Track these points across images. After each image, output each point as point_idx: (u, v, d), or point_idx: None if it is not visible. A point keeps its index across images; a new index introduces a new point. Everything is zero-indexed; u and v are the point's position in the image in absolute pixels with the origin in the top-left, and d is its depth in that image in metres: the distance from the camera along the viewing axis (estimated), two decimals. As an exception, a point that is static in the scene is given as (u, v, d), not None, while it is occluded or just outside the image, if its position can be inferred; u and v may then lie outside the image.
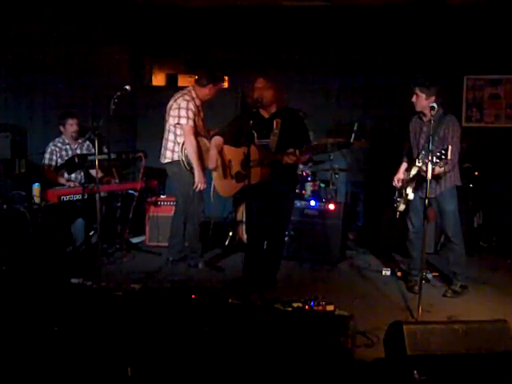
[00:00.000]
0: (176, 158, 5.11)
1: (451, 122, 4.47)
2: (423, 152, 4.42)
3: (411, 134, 4.70)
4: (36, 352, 3.12)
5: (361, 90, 7.22)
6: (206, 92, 5.16)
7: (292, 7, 7.02)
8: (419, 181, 4.43)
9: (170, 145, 5.14)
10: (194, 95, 5.13)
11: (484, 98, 7.00)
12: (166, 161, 5.19)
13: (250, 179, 4.06)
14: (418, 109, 4.51)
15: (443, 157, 3.94)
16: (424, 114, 4.52)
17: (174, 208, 5.52)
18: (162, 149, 5.23)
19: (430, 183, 4.23)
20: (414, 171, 4.44)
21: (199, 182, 5.02)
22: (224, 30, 7.31)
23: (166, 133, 5.18)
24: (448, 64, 6.89)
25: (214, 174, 4.69)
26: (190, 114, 5.00)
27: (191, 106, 5.02)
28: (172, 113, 5.08)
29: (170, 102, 5.14)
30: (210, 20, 7.29)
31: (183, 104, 5.01)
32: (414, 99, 4.50)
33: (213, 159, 4.52)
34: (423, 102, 4.44)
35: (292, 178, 4.61)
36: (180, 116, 5.00)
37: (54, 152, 5.68)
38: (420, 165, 4.29)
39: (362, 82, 7.19)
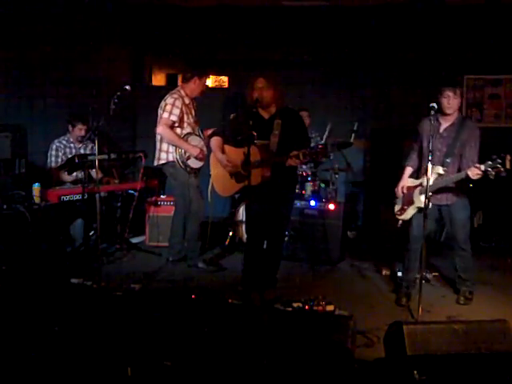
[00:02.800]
0: (171, 158, 5.12)
1: (473, 127, 4.29)
2: (448, 160, 4.18)
3: (424, 138, 4.34)
4: (36, 352, 3.12)
5: (361, 90, 7.22)
6: (192, 87, 5.19)
7: (292, 7, 7.02)
8: (440, 188, 4.18)
9: (164, 146, 5.16)
10: (183, 93, 5.17)
11: (484, 98, 7.01)
12: (161, 162, 5.20)
13: (251, 180, 4.05)
14: (451, 111, 4.21)
15: (498, 165, 3.77)
16: (446, 116, 4.26)
17: (173, 208, 5.53)
18: (156, 151, 5.24)
19: (443, 190, 4.17)
20: (433, 178, 4.16)
21: (195, 152, 5.05)
22: (224, 30, 7.31)
23: (158, 134, 5.19)
24: (448, 64, 6.90)
25: (213, 174, 4.69)
26: (174, 110, 5.04)
27: (177, 103, 5.07)
28: (160, 112, 5.11)
29: (161, 103, 5.16)
30: (210, 20, 7.29)
31: (170, 100, 5.07)
32: (449, 101, 4.16)
33: (223, 162, 4.44)
34: (458, 104, 4.21)
35: (292, 179, 4.61)
36: (164, 111, 5.05)
37: (59, 149, 5.71)
38: (442, 172, 4.14)
39: (362, 81, 7.19)
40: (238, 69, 7.32)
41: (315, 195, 5.84)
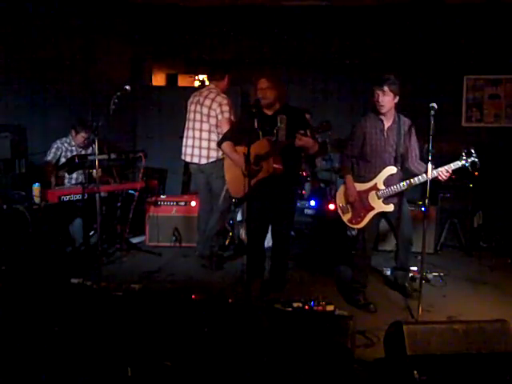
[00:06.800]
0: (220, 155, 5.09)
1: (409, 121, 4.29)
2: (398, 158, 4.21)
3: (366, 138, 4.27)
4: (36, 352, 3.12)
5: (361, 90, 7.22)
6: (225, 84, 5.25)
7: (292, 7, 7.03)
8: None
9: (214, 144, 5.12)
10: (219, 91, 5.20)
11: (484, 98, 7.00)
12: (211, 160, 5.18)
13: (263, 172, 4.19)
14: (385, 110, 4.18)
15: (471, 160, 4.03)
16: (385, 116, 4.23)
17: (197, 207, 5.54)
18: (197, 149, 5.20)
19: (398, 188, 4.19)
20: (385, 179, 4.23)
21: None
22: (224, 30, 7.32)
23: (206, 133, 5.17)
24: (448, 64, 6.90)
25: (227, 178, 4.70)
26: (231, 109, 5.10)
27: (230, 102, 5.12)
28: (212, 112, 5.10)
29: (206, 102, 5.13)
30: (210, 20, 7.29)
31: (225, 101, 5.10)
32: (380, 99, 4.14)
33: (240, 161, 4.41)
34: (391, 102, 4.18)
35: (297, 176, 4.65)
36: (224, 111, 5.06)
37: (60, 149, 5.73)
38: (395, 172, 4.20)
39: (361, 81, 7.19)
40: (238, 69, 7.32)
41: (315, 195, 5.84)
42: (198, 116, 5.20)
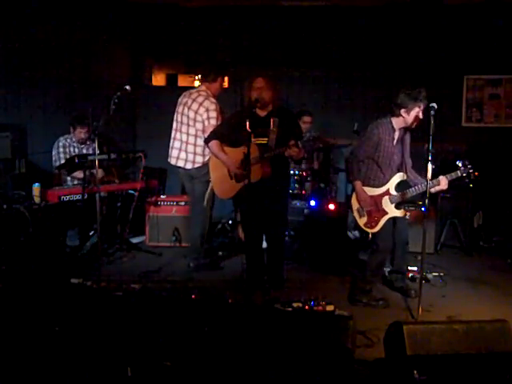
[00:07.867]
0: (206, 160, 5.02)
1: (408, 132, 4.40)
2: (402, 165, 4.31)
3: (381, 147, 4.25)
4: (36, 352, 3.12)
5: (361, 90, 7.22)
6: (217, 86, 5.16)
7: (292, 7, 7.03)
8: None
9: (199, 149, 5.06)
10: (210, 94, 5.12)
11: (484, 98, 7.00)
12: (197, 165, 5.09)
13: (252, 176, 4.08)
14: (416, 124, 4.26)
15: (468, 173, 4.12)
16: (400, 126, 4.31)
17: (189, 210, 5.48)
18: (183, 153, 5.13)
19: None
20: (396, 185, 4.29)
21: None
22: (224, 30, 7.32)
23: (192, 138, 5.08)
24: (448, 64, 6.90)
25: (213, 178, 4.67)
26: (218, 115, 5.02)
27: (218, 107, 5.04)
28: (198, 117, 5.02)
29: (194, 106, 5.05)
30: (209, 20, 7.29)
31: (212, 106, 5.00)
32: (421, 115, 4.17)
33: (228, 162, 4.43)
34: None
35: (286, 176, 4.72)
36: (211, 117, 4.98)
37: (66, 146, 5.78)
38: (405, 178, 4.30)
39: (361, 81, 7.19)
40: (237, 69, 7.33)
41: (315, 195, 5.84)
42: (184, 119, 5.12)
